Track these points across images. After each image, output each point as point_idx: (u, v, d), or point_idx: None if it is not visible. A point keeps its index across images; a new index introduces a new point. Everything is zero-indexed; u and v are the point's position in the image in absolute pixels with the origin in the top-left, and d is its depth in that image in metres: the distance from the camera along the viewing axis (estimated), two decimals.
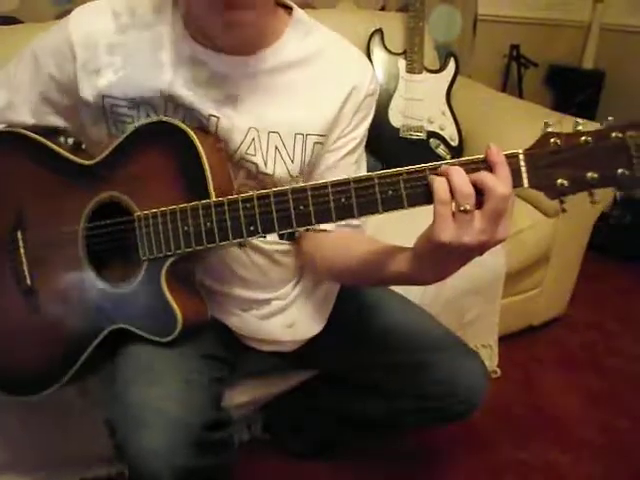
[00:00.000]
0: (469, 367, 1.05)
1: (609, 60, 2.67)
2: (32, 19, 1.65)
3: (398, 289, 1.14)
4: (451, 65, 1.97)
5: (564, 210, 0.74)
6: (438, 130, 1.92)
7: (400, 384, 1.08)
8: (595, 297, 2.10)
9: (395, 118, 1.88)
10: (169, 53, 0.88)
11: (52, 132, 0.96)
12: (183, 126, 0.83)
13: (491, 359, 1.64)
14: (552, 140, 0.71)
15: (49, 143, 0.93)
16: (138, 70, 0.88)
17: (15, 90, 0.93)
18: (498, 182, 0.69)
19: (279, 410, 1.34)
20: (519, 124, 1.87)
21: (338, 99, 0.93)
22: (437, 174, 0.72)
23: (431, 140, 1.91)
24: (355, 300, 1.11)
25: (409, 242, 0.81)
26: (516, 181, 0.71)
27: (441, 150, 1.92)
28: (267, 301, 1.03)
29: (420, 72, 1.91)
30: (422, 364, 1.04)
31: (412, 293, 1.16)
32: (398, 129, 1.88)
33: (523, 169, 0.72)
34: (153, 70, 0.88)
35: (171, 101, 0.88)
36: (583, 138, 0.71)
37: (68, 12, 1.67)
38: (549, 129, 0.72)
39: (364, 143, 1.01)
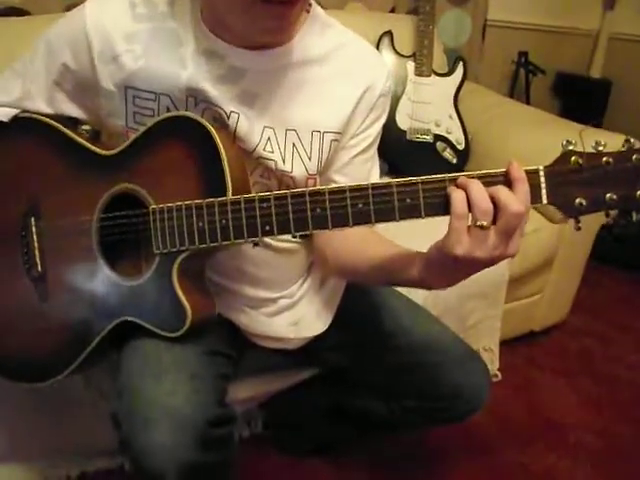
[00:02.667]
0: (473, 369, 1.06)
1: (617, 69, 2.68)
2: (40, 11, 1.66)
3: (403, 290, 1.15)
4: (459, 69, 1.97)
5: (579, 228, 0.75)
6: (445, 133, 1.93)
7: (403, 384, 1.09)
8: (596, 305, 2.11)
9: (402, 120, 1.88)
10: (188, 46, 0.88)
11: (71, 121, 0.96)
12: (204, 122, 0.83)
13: (492, 363, 1.64)
14: (573, 159, 0.72)
15: (68, 131, 0.93)
16: (159, 61, 0.88)
17: (30, 79, 0.93)
18: (513, 199, 0.70)
19: (280, 407, 1.35)
20: (526, 130, 1.89)
21: (353, 97, 0.93)
22: (456, 185, 0.72)
23: (438, 143, 1.92)
24: (361, 300, 1.11)
25: (419, 245, 0.82)
26: (535, 197, 0.72)
27: (447, 153, 1.93)
28: (274, 300, 1.04)
29: (429, 75, 1.91)
30: (426, 365, 1.05)
31: (415, 295, 1.17)
32: (405, 131, 1.88)
33: (543, 185, 0.73)
34: (174, 62, 0.88)
35: (192, 95, 0.88)
36: (604, 159, 0.71)
37: (75, 5, 1.69)
38: (570, 147, 0.72)
39: (377, 142, 1.01)
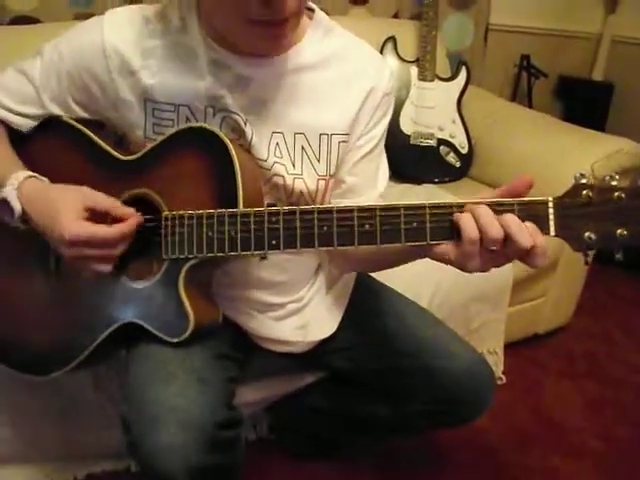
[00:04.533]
0: (478, 372, 1.07)
1: (619, 72, 2.68)
2: (50, 19, 1.68)
3: (408, 294, 1.15)
4: (462, 74, 1.99)
5: (587, 263, 0.74)
6: (448, 138, 1.94)
7: (409, 387, 1.09)
8: (600, 307, 2.12)
9: (406, 125, 1.89)
10: (202, 58, 0.89)
11: (97, 125, 0.97)
12: (221, 134, 0.85)
13: (497, 366, 1.64)
14: (584, 192, 0.71)
15: (90, 133, 0.95)
16: (176, 75, 0.89)
17: (42, 88, 0.94)
18: (523, 233, 0.70)
19: (286, 410, 1.35)
20: (528, 134, 1.90)
21: (358, 99, 0.95)
22: (462, 212, 0.73)
23: (441, 147, 1.93)
24: (367, 304, 1.12)
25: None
26: (543, 229, 0.72)
27: (451, 158, 1.94)
28: (282, 304, 1.05)
29: (432, 80, 1.93)
30: (432, 368, 1.05)
31: (421, 299, 1.17)
32: (409, 136, 1.90)
33: (551, 217, 0.72)
34: (191, 75, 0.89)
35: (211, 105, 0.90)
36: (616, 194, 0.70)
37: (86, 14, 1.71)
38: (582, 180, 0.71)
39: (383, 140, 1.02)
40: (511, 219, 0.71)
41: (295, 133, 0.93)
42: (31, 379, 0.99)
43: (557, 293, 1.82)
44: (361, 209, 0.77)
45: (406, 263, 0.92)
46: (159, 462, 0.81)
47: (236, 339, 1.05)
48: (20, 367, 1.00)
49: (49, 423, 1.22)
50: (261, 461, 1.34)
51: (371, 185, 1.01)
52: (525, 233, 0.70)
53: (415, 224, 0.75)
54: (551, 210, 0.72)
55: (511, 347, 1.73)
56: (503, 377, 1.67)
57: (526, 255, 0.72)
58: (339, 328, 1.09)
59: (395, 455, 1.41)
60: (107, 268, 0.86)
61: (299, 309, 1.06)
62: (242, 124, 0.90)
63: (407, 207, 0.75)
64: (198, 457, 0.82)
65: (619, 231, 0.71)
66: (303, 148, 0.94)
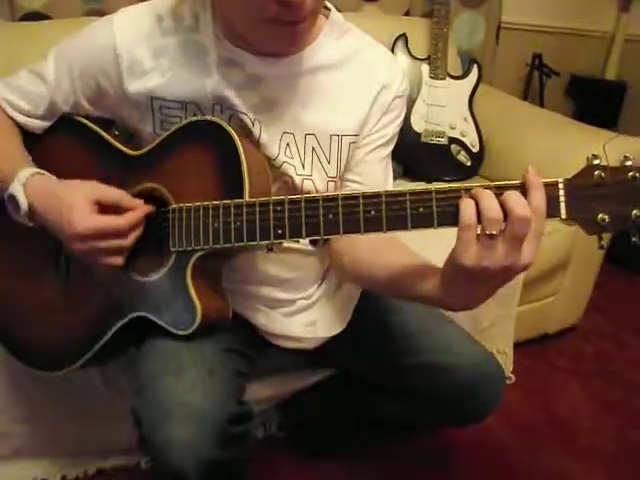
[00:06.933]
0: (487, 371, 1.06)
1: (632, 71, 2.66)
2: (61, 15, 1.67)
3: None
4: (474, 72, 1.98)
5: (602, 247, 0.71)
6: (459, 136, 1.93)
7: (419, 386, 1.08)
8: (611, 307, 2.10)
9: (417, 123, 1.89)
10: (213, 56, 0.89)
11: (106, 122, 0.98)
12: (227, 126, 0.85)
13: (506, 365, 1.64)
14: (596, 173, 0.68)
15: (100, 130, 0.96)
16: (185, 72, 0.90)
17: (55, 89, 0.95)
18: (520, 203, 0.66)
19: (295, 408, 1.35)
20: (540, 133, 1.89)
21: (369, 98, 0.95)
22: (470, 196, 0.70)
23: (452, 146, 1.92)
24: (377, 302, 1.11)
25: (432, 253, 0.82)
26: (553, 211, 0.69)
27: (462, 156, 1.93)
28: (293, 300, 1.05)
29: (443, 78, 1.92)
30: (442, 366, 1.05)
31: None
32: (420, 134, 1.89)
33: (562, 198, 0.69)
34: (200, 72, 0.90)
35: (218, 103, 0.90)
36: (630, 173, 0.67)
37: (96, 10, 1.71)
38: (595, 161, 0.68)
39: (393, 143, 1.02)
40: (511, 193, 0.68)
41: (306, 134, 0.93)
42: (43, 375, 1.01)
43: (568, 292, 1.81)
44: (366, 195, 0.76)
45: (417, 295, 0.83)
46: (170, 456, 0.82)
47: (246, 336, 1.06)
48: (33, 363, 1.01)
49: (61, 419, 1.23)
50: (270, 459, 1.34)
51: (377, 187, 1.00)
52: (522, 203, 0.66)
53: (421, 209, 0.73)
54: (562, 192, 0.69)
55: (521, 346, 1.72)
56: (512, 376, 1.66)
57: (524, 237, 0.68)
58: (349, 326, 1.09)
59: (404, 454, 1.40)
60: (119, 260, 0.88)
61: (309, 305, 1.07)
62: (249, 124, 0.91)
63: (413, 192, 0.73)
64: (209, 451, 0.83)
65: (635, 212, 0.67)
66: (314, 149, 0.94)
